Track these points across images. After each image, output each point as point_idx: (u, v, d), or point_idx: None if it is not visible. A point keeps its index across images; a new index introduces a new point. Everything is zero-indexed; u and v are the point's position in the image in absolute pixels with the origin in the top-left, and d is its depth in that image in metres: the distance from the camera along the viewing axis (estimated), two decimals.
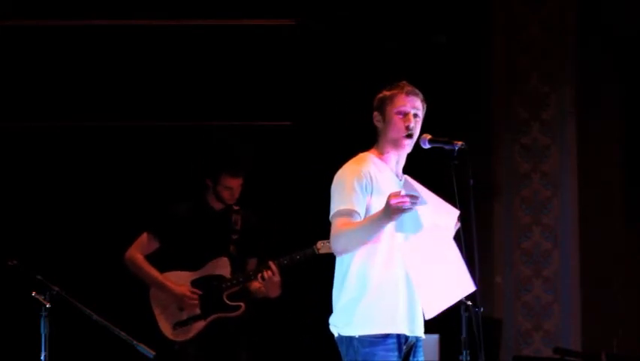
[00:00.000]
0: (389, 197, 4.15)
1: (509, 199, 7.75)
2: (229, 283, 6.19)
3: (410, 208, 4.14)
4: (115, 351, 5.73)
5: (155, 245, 6.29)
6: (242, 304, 6.21)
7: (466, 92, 7.58)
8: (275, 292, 6.19)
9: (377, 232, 4.30)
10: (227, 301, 6.20)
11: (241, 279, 6.19)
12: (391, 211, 4.14)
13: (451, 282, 4.29)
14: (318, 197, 4.86)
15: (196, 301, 6.17)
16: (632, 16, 7.75)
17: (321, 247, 6.08)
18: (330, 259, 4.50)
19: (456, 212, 4.27)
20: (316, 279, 4.85)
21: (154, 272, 6.23)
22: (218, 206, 6.32)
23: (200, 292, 6.17)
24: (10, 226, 7.32)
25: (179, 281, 6.22)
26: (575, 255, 7.68)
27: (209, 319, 6.19)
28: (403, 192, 4.14)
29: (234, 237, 6.29)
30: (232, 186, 6.26)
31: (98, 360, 7.20)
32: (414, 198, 4.13)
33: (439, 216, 4.25)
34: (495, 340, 7.47)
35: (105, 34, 7.41)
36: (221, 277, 6.21)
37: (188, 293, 6.17)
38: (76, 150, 7.61)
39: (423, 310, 4.35)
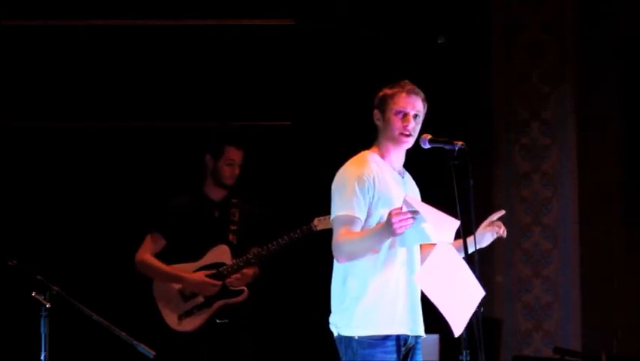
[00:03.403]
0: (390, 214, 4.15)
1: (509, 199, 7.74)
2: (229, 270, 6.19)
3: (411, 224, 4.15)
4: (115, 351, 5.73)
5: (161, 243, 6.28)
6: (244, 288, 6.22)
7: (466, 92, 7.58)
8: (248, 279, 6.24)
9: (379, 244, 4.31)
10: (230, 287, 6.21)
11: (241, 264, 6.20)
12: (393, 230, 4.15)
13: (467, 293, 4.26)
14: (317, 197, 4.86)
15: (217, 288, 6.16)
16: (632, 16, 7.75)
17: (318, 223, 6.09)
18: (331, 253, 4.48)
19: (456, 222, 4.24)
20: (318, 274, 4.83)
21: (166, 268, 6.23)
22: (216, 196, 6.31)
23: (219, 283, 6.18)
24: (10, 225, 7.32)
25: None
26: (575, 255, 7.67)
27: (214, 306, 6.18)
28: (404, 209, 4.14)
29: (233, 227, 6.28)
30: (235, 160, 6.24)
31: (98, 360, 7.20)
32: (415, 213, 4.14)
33: (441, 231, 4.24)
34: (495, 340, 7.46)
35: (105, 34, 7.41)
36: (222, 265, 6.22)
37: (207, 279, 6.17)
38: (77, 150, 7.60)
39: (452, 330, 4.26)
